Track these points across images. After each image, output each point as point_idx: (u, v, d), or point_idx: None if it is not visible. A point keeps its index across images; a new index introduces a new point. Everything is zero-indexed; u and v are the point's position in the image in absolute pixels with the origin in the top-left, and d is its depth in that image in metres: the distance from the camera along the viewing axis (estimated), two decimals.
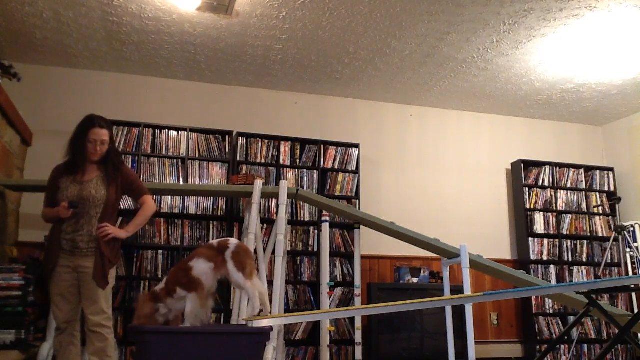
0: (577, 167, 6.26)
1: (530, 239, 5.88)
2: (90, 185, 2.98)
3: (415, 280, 5.27)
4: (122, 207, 4.32)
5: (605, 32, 4.47)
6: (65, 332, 2.92)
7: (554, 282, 5.77)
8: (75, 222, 2.93)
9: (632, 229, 5.84)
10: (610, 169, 6.34)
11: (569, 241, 6.00)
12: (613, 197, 6.20)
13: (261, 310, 2.54)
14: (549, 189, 6.09)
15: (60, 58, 5.03)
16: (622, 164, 6.39)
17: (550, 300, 5.65)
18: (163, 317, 2.49)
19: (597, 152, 6.67)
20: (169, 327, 2.44)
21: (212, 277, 2.53)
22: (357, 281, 4.77)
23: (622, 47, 4.73)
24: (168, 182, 5.01)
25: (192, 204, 5.03)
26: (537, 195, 6.05)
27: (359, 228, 4.83)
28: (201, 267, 2.51)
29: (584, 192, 6.20)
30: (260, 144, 5.37)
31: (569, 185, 6.18)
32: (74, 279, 2.92)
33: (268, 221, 5.06)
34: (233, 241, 2.62)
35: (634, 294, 5.81)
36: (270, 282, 4.08)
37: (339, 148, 5.57)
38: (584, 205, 6.15)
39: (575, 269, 5.92)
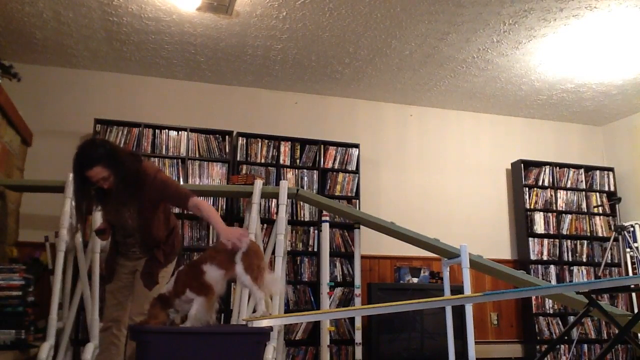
0: (577, 167, 6.26)
1: (530, 239, 5.88)
2: (124, 215, 2.74)
3: (415, 280, 5.27)
4: None
5: (605, 32, 4.47)
6: (107, 330, 2.85)
7: (554, 282, 5.77)
8: (122, 236, 2.84)
9: (632, 229, 5.84)
10: (610, 169, 6.34)
11: (569, 241, 6.00)
12: (613, 197, 6.20)
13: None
14: (549, 189, 6.09)
15: (60, 58, 5.03)
16: (622, 164, 6.39)
17: (550, 300, 5.65)
18: (169, 320, 2.46)
19: (597, 152, 6.66)
20: (169, 327, 2.44)
21: (222, 283, 2.50)
22: (357, 281, 4.77)
23: (622, 47, 4.73)
24: None
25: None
26: (537, 195, 6.05)
27: (359, 228, 4.83)
28: (213, 274, 2.47)
29: (584, 192, 6.20)
30: (260, 144, 5.37)
31: (569, 185, 6.18)
32: (130, 279, 2.85)
33: (268, 221, 5.06)
34: (244, 242, 2.56)
35: (634, 294, 5.80)
36: None
37: (339, 148, 5.57)
38: (584, 205, 6.15)
39: (575, 269, 5.92)
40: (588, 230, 6.08)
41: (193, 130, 5.20)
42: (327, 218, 4.70)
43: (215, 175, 5.16)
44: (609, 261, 5.94)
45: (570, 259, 5.93)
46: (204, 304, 2.41)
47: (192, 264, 2.54)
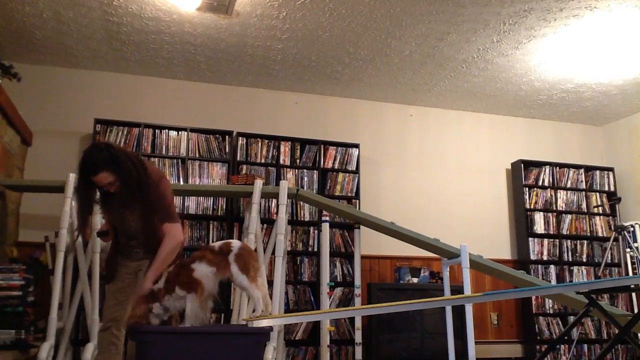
0: (577, 167, 6.26)
1: (530, 239, 5.88)
2: (128, 218, 2.75)
3: (415, 280, 5.27)
4: None
5: (605, 32, 4.47)
6: (107, 330, 2.84)
7: (554, 282, 5.77)
8: (125, 237, 2.84)
9: (632, 229, 5.84)
10: (610, 169, 6.34)
11: (569, 241, 6.00)
12: (613, 197, 6.20)
13: (262, 310, 2.53)
14: (549, 189, 6.09)
15: (60, 58, 5.03)
16: (622, 164, 6.39)
17: (550, 300, 5.65)
18: (158, 318, 2.47)
19: (597, 152, 6.66)
20: (169, 327, 2.44)
21: (214, 280, 2.52)
22: (357, 281, 4.77)
23: (622, 47, 4.73)
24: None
25: (192, 204, 5.03)
26: (537, 195, 6.05)
27: (359, 228, 4.82)
28: (202, 270, 2.49)
29: (584, 192, 6.20)
30: (260, 144, 5.37)
31: (569, 185, 6.18)
32: (132, 280, 2.84)
33: (268, 221, 5.06)
34: (236, 243, 2.60)
35: (634, 294, 5.80)
36: (270, 282, 4.08)
37: (339, 148, 5.57)
38: (584, 205, 6.15)
39: (575, 269, 5.92)
40: (588, 230, 6.07)
41: (193, 130, 5.20)
42: (327, 218, 4.70)
43: (215, 175, 5.16)
44: (609, 261, 5.93)
45: (570, 259, 5.93)
46: (195, 300, 2.42)
47: (181, 264, 2.56)
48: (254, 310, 2.54)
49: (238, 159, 5.25)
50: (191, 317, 2.39)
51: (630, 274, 5.79)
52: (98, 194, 2.75)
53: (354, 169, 5.55)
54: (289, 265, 5.09)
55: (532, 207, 5.99)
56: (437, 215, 5.89)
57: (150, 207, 2.71)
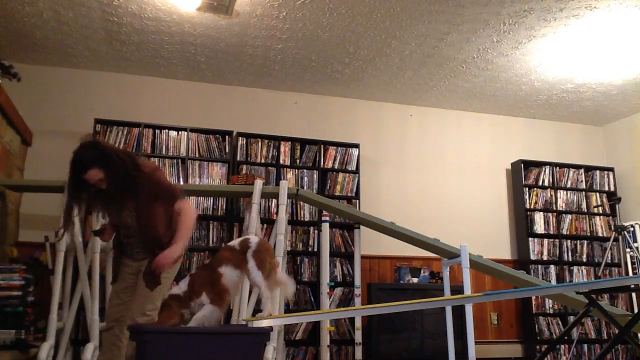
0: (577, 167, 6.26)
1: (530, 239, 5.88)
2: (123, 213, 2.76)
3: (415, 280, 5.27)
4: None
5: (605, 32, 4.47)
6: (110, 330, 2.84)
7: (554, 282, 5.77)
8: (125, 236, 2.85)
9: (632, 229, 5.84)
10: (610, 169, 6.34)
11: (569, 241, 6.00)
12: (613, 197, 6.20)
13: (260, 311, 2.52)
14: (549, 189, 6.09)
15: (60, 58, 5.03)
16: (622, 164, 6.39)
17: (550, 300, 5.65)
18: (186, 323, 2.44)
19: (597, 152, 6.66)
20: (169, 327, 2.43)
21: (240, 284, 2.52)
22: (357, 281, 4.77)
23: (622, 47, 4.73)
24: None
25: (192, 204, 5.03)
26: (537, 195, 6.05)
27: (359, 228, 4.83)
28: (230, 276, 2.47)
29: (584, 192, 6.20)
30: (260, 144, 5.37)
31: (569, 185, 6.18)
32: (135, 280, 2.84)
33: (268, 221, 5.06)
34: (254, 240, 2.60)
35: (634, 294, 5.80)
36: None
37: (339, 148, 5.57)
38: (584, 205, 6.15)
39: (575, 269, 5.92)
40: (588, 230, 6.07)
41: (193, 130, 5.20)
42: (327, 218, 4.70)
43: (215, 175, 5.16)
44: (609, 261, 5.93)
45: (570, 259, 5.93)
46: (215, 314, 2.40)
47: (207, 267, 2.53)
48: (254, 311, 2.54)
49: (238, 159, 5.25)
50: (199, 323, 2.37)
51: (630, 274, 5.79)
52: (92, 194, 2.75)
53: (354, 169, 5.55)
54: (289, 265, 5.09)
55: (532, 207, 5.99)
56: (437, 215, 5.89)
57: (146, 199, 2.70)
